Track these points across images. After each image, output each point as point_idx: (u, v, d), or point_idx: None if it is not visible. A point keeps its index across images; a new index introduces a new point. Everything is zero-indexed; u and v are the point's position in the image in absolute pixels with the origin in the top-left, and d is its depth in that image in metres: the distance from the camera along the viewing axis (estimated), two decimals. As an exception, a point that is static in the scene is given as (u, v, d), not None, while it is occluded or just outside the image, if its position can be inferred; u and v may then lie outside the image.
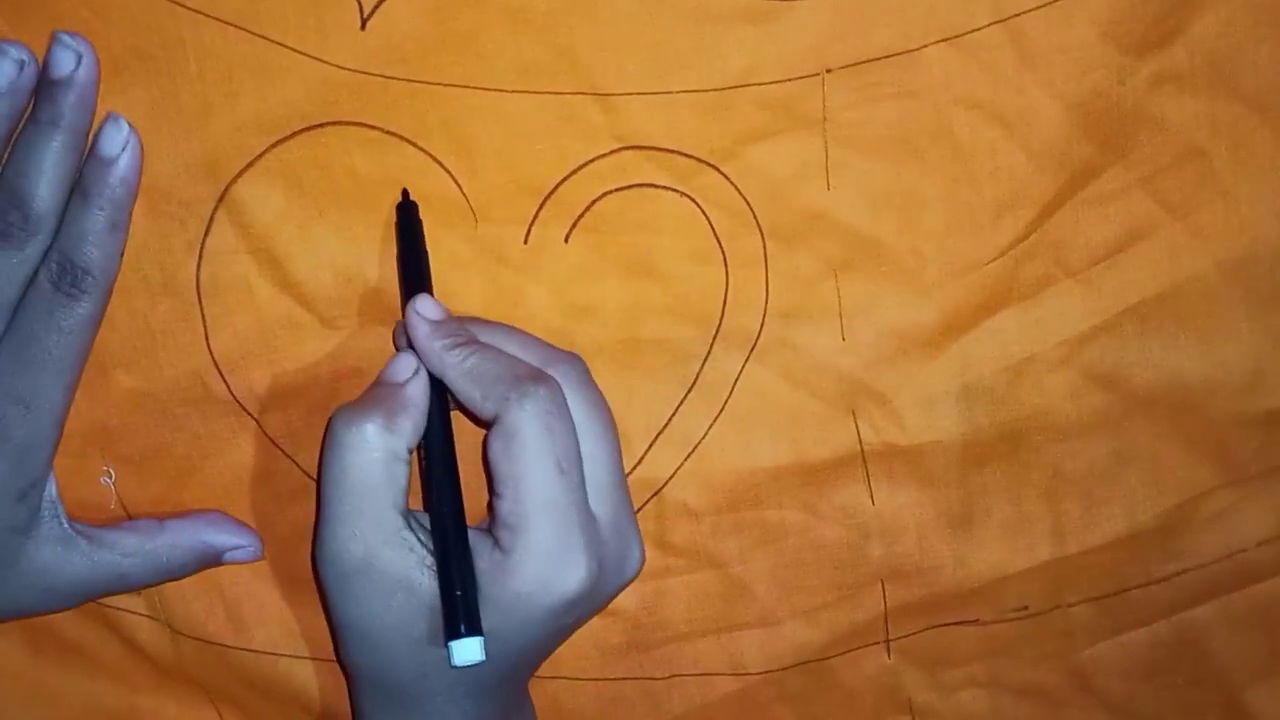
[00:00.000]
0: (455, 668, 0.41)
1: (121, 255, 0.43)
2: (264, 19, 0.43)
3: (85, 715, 0.50)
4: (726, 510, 0.49)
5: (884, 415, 0.49)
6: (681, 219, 0.46)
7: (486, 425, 0.42)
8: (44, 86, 0.41)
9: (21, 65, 0.41)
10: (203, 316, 0.46)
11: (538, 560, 0.41)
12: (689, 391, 0.48)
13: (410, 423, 0.42)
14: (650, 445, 0.48)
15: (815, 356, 0.48)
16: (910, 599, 0.51)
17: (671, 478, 0.49)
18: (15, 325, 0.42)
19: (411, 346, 0.44)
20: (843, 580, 0.50)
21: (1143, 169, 0.47)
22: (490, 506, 0.42)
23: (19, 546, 0.43)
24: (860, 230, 0.47)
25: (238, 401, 0.47)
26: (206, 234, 0.45)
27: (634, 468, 0.48)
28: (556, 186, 0.45)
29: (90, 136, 0.42)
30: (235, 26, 0.43)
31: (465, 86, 0.44)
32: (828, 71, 0.45)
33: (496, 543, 0.42)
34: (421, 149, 0.45)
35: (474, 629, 0.41)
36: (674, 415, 0.48)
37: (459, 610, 0.41)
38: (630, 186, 0.46)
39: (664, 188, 0.46)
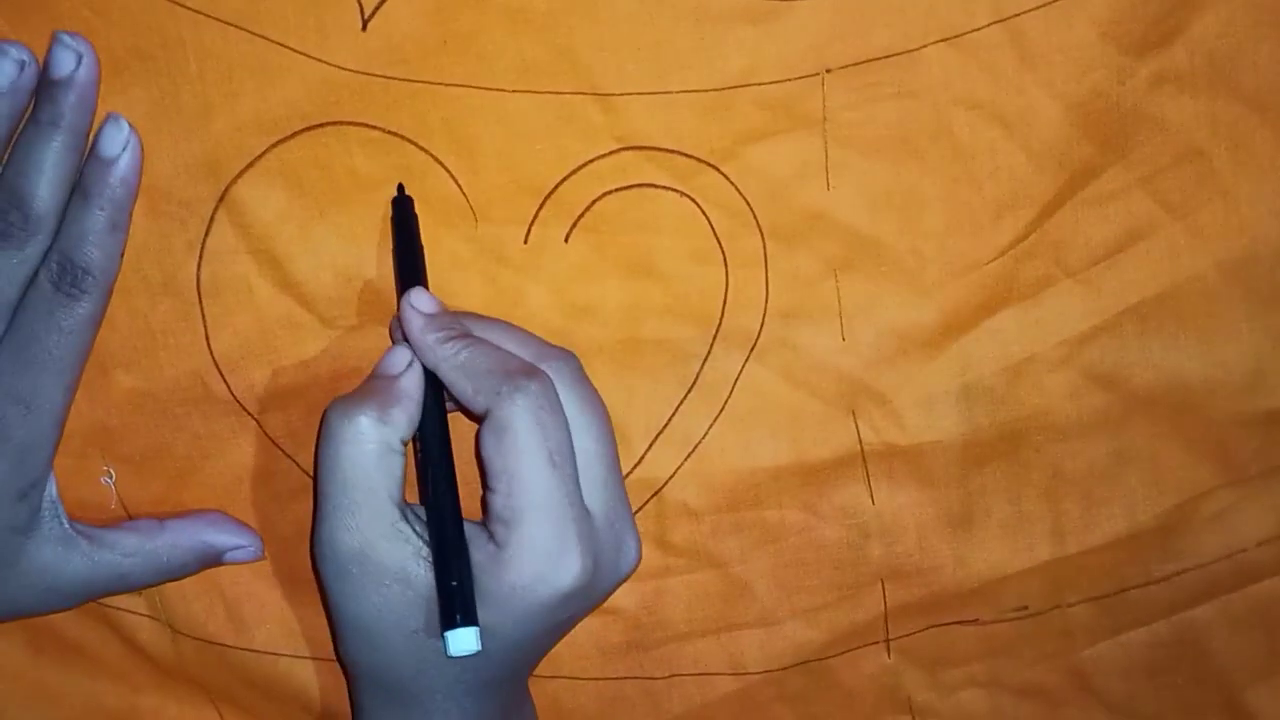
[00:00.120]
0: (452, 659, 0.41)
1: (122, 255, 0.43)
2: (264, 19, 0.43)
3: (86, 715, 0.50)
4: (726, 510, 0.49)
5: (884, 415, 0.49)
6: (681, 219, 0.46)
7: (479, 420, 0.42)
8: (44, 87, 0.41)
9: (22, 65, 0.41)
10: (203, 316, 0.46)
11: (532, 554, 0.41)
12: (689, 391, 0.48)
13: (404, 415, 0.42)
14: (650, 445, 0.48)
15: (815, 356, 0.48)
16: (910, 599, 0.51)
17: (671, 477, 0.49)
18: (15, 325, 0.42)
19: (406, 340, 0.44)
20: (843, 580, 0.50)
21: (1143, 169, 0.47)
22: (484, 501, 0.42)
23: (19, 546, 0.43)
24: (860, 230, 0.47)
25: (238, 401, 0.47)
26: (207, 234, 0.45)
27: (634, 468, 0.48)
28: (556, 186, 0.46)
29: (91, 136, 0.42)
30: (236, 27, 0.43)
31: (466, 86, 0.44)
32: (827, 71, 0.45)
33: (491, 537, 0.42)
34: (422, 149, 0.45)
35: (469, 619, 0.41)
36: (674, 415, 0.48)
37: (454, 600, 0.41)
38: (630, 186, 0.46)
39: (664, 188, 0.46)
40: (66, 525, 0.44)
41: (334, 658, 0.48)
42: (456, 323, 0.44)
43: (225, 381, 0.46)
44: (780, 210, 0.46)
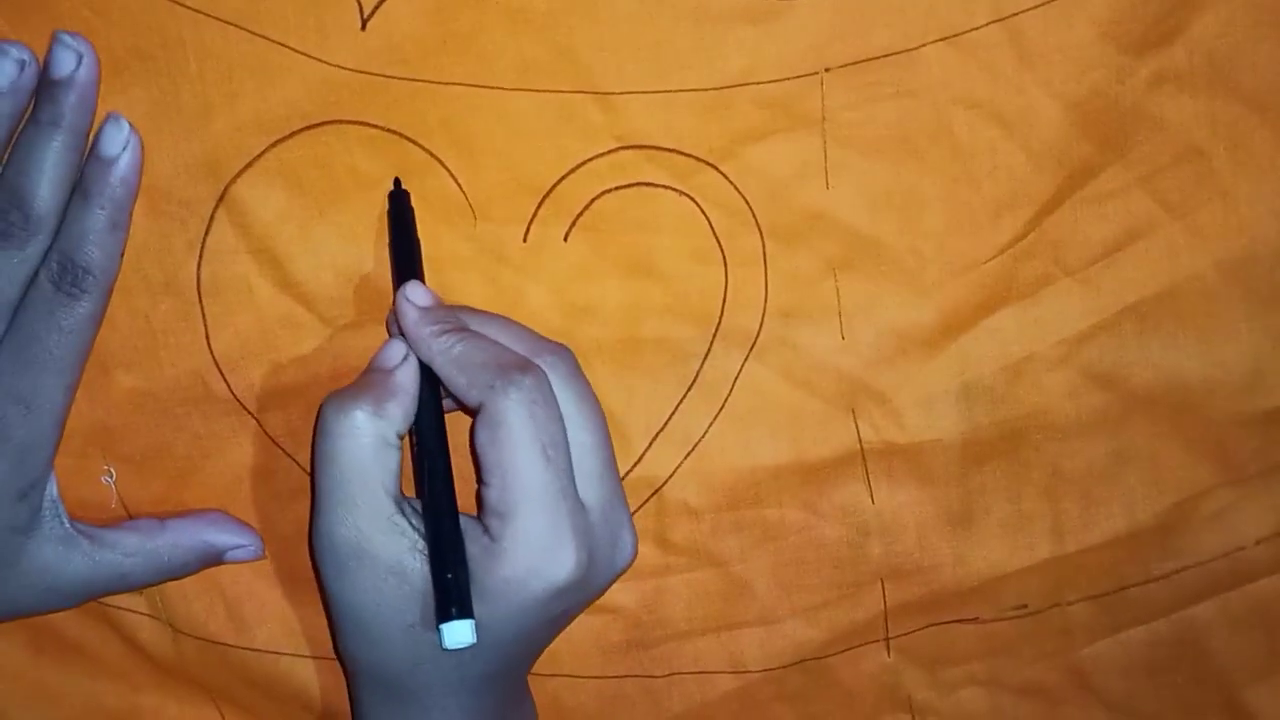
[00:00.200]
0: (448, 653, 0.41)
1: (122, 255, 0.43)
2: (264, 19, 0.43)
3: (86, 715, 0.50)
4: (726, 509, 0.49)
5: (884, 414, 0.49)
6: (681, 218, 0.46)
7: (473, 413, 0.42)
8: (45, 86, 0.41)
9: (22, 65, 0.41)
10: (203, 316, 0.46)
11: (527, 547, 0.41)
12: (688, 390, 0.48)
13: (399, 408, 0.42)
14: (650, 444, 0.48)
15: (815, 356, 0.48)
16: (910, 597, 0.51)
17: (671, 476, 0.49)
18: (16, 325, 0.42)
19: (401, 333, 0.44)
20: (843, 579, 0.50)
21: (1142, 168, 0.47)
22: (478, 496, 0.42)
23: (20, 546, 0.43)
24: (859, 229, 0.47)
25: (238, 401, 0.47)
26: (207, 234, 0.45)
27: (634, 466, 0.48)
28: (555, 185, 0.46)
29: (91, 136, 0.42)
30: (235, 26, 0.43)
31: (465, 85, 0.44)
32: (826, 71, 0.45)
33: (486, 530, 0.42)
34: (422, 147, 0.45)
35: (465, 612, 0.41)
36: (674, 414, 0.48)
37: (450, 593, 0.41)
38: (629, 185, 0.46)
39: (663, 186, 0.46)
40: (67, 525, 0.44)
41: (334, 657, 0.48)
42: (452, 316, 0.44)
43: (226, 381, 0.46)
44: (779, 209, 0.47)
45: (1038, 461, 0.50)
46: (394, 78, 0.44)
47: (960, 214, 0.47)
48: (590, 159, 0.45)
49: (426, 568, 0.42)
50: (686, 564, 0.50)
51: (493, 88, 0.44)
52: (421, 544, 0.42)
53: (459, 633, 0.41)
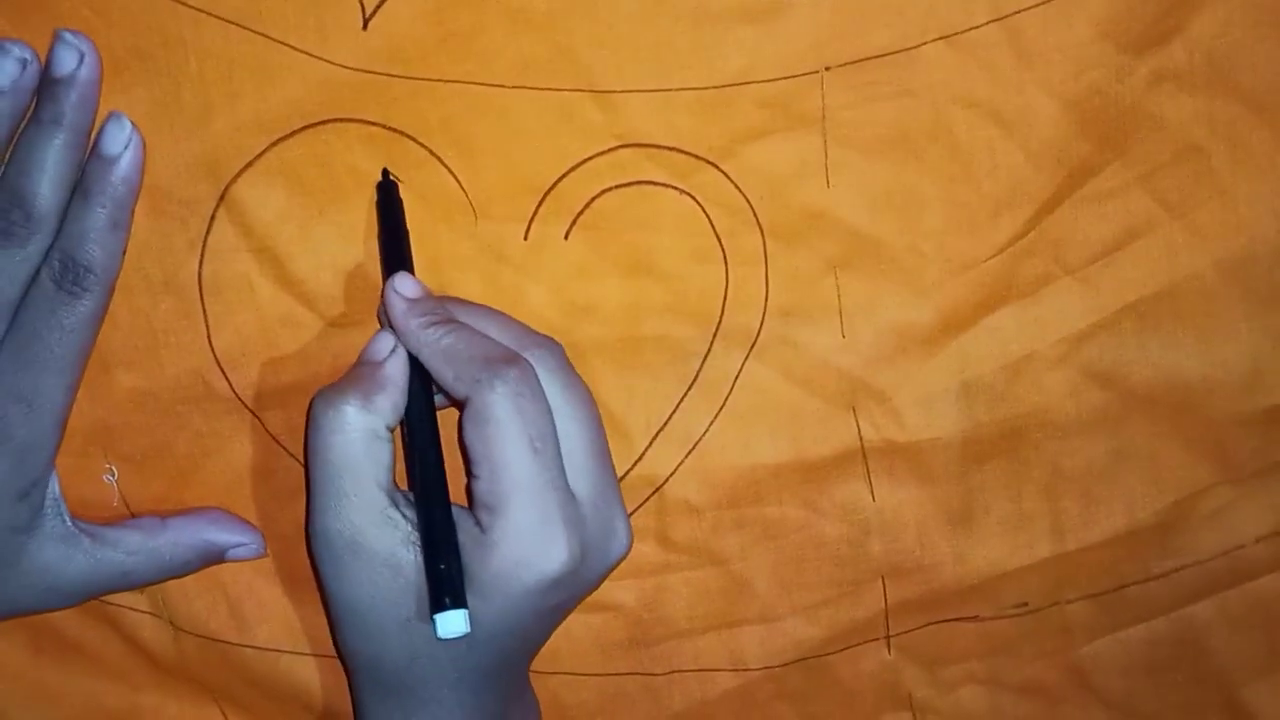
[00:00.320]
0: (444, 646, 0.42)
1: (123, 254, 0.43)
2: (265, 18, 0.43)
3: (87, 714, 0.50)
4: (727, 507, 0.49)
5: (884, 412, 0.49)
6: (681, 217, 0.46)
7: (460, 406, 0.42)
8: (46, 85, 0.41)
9: (24, 64, 0.41)
10: (204, 315, 0.46)
11: (517, 539, 0.41)
12: (689, 389, 0.48)
13: (389, 401, 0.42)
14: (650, 442, 0.48)
15: (815, 354, 0.48)
16: (910, 595, 0.51)
17: (672, 475, 0.49)
18: (17, 324, 0.42)
19: (390, 325, 0.44)
20: (843, 577, 0.50)
21: (1141, 167, 0.47)
22: (468, 489, 0.42)
23: (22, 545, 0.44)
24: (860, 228, 0.47)
25: (240, 399, 0.47)
26: (208, 232, 0.45)
27: (634, 465, 0.48)
28: (556, 183, 0.46)
29: (92, 135, 0.42)
30: (237, 25, 0.43)
31: (466, 83, 0.44)
32: (826, 70, 0.45)
33: (477, 523, 0.42)
34: (422, 145, 0.45)
35: (458, 601, 0.41)
36: (674, 413, 0.48)
37: (442, 583, 0.41)
38: (630, 184, 0.46)
39: (664, 185, 0.46)
40: (69, 523, 0.44)
41: (335, 655, 0.48)
42: (440, 307, 0.44)
43: (227, 379, 0.47)
44: (780, 208, 0.47)
45: (1038, 460, 0.50)
46: (395, 76, 0.44)
47: (960, 213, 0.47)
48: (590, 157, 0.45)
49: (420, 559, 0.42)
50: (687, 562, 0.50)
51: (493, 86, 0.44)
52: (415, 536, 0.42)
53: (452, 622, 0.41)
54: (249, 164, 0.45)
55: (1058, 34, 0.45)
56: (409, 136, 0.45)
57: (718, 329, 0.48)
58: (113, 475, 0.47)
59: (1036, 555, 0.51)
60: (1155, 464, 0.50)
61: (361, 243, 0.46)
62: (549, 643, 0.48)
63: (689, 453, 0.49)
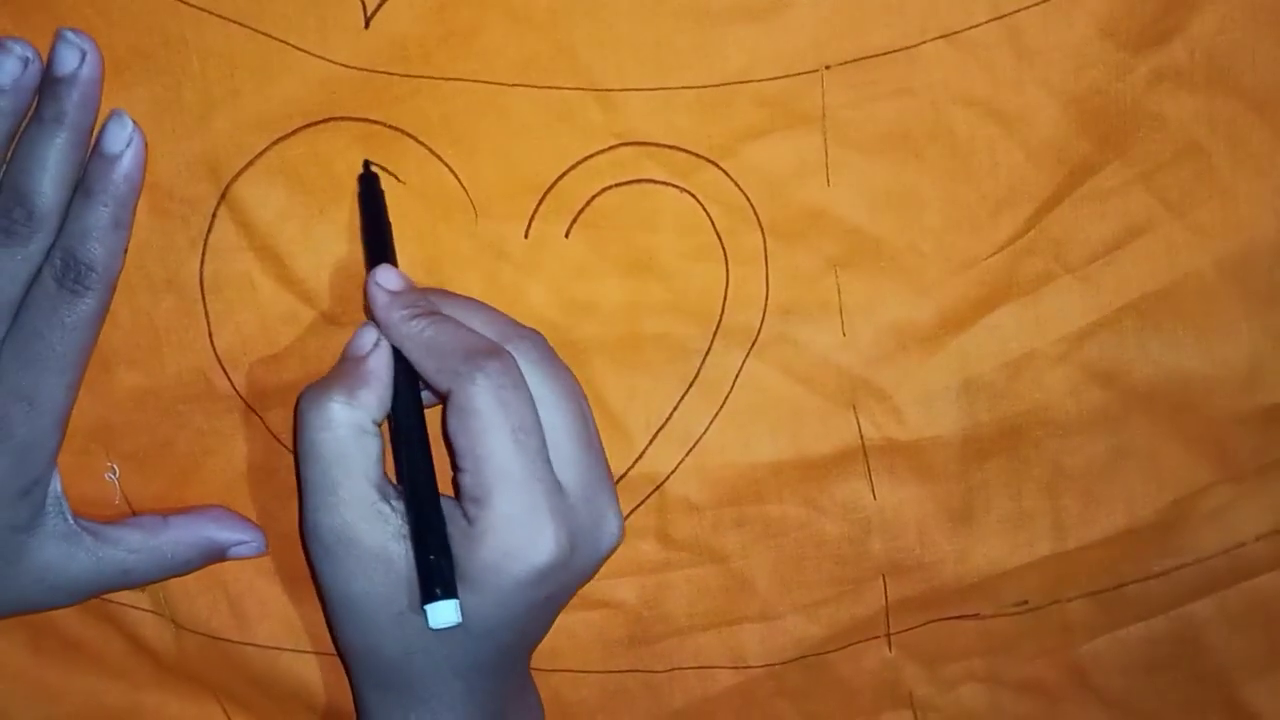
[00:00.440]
0: (439, 639, 0.42)
1: (125, 252, 0.43)
2: (267, 17, 0.43)
3: (88, 712, 0.50)
4: (728, 505, 0.49)
5: (884, 411, 0.49)
6: (681, 215, 0.46)
7: (443, 399, 0.42)
8: (48, 84, 0.41)
9: (26, 62, 0.41)
10: (206, 313, 0.46)
11: (503, 530, 0.41)
12: (689, 387, 0.48)
13: (374, 395, 0.43)
14: (651, 441, 0.48)
15: (816, 352, 0.48)
16: (911, 593, 0.51)
17: (673, 473, 0.49)
18: (19, 322, 0.42)
19: (373, 318, 0.44)
20: (844, 575, 0.50)
21: (1141, 166, 0.47)
22: (454, 482, 0.43)
23: (23, 543, 0.44)
24: (860, 227, 0.47)
25: (241, 397, 0.47)
26: (209, 231, 0.45)
27: (634, 463, 0.48)
28: (556, 181, 0.46)
29: (94, 134, 0.42)
30: (238, 24, 0.43)
31: (466, 81, 0.44)
32: (826, 68, 0.45)
33: (465, 516, 0.42)
34: (422, 144, 0.45)
35: (448, 591, 0.41)
36: (675, 411, 0.48)
37: (432, 573, 0.41)
38: (631, 182, 0.46)
39: (664, 183, 0.46)
40: (71, 521, 0.44)
41: (335, 652, 0.48)
42: (423, 299, 0.44)
43: (228, 378, 0.47)
44: (780, 207, 0.47)
45: (1038, 458, 0.50)
46: (396, 75, 0.44)
47: (960, 212, 0.47)
48: (591, 156, 0.45)
49: (411, 553, 0.42)
50: (688, 560, 0.50)
51: (494, 84, 0.44)
52: (405, 529, 0.42)
53: (443, 613, 0.41)
54: (250, 163, 0.45)
55: (1058, 33, 0.45)
56: (409, 135, 0.45)
57: (718, 327, 0.48)
58: (114, 473, 0.47)
59: (1037, 553, 0.51)
60: (1155, 462, 0.50)
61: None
62: (550, 640, 0.48)
63: (689, 451, 0.49)
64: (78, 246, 0.42)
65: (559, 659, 0.50)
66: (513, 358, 0.42)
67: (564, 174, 0.46)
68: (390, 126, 0.45)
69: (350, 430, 0.42)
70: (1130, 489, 0.50)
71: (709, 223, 0.47)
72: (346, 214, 0.45)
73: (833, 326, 0.48)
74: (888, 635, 0.51)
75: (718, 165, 0.46)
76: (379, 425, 0.43)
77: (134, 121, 0.42)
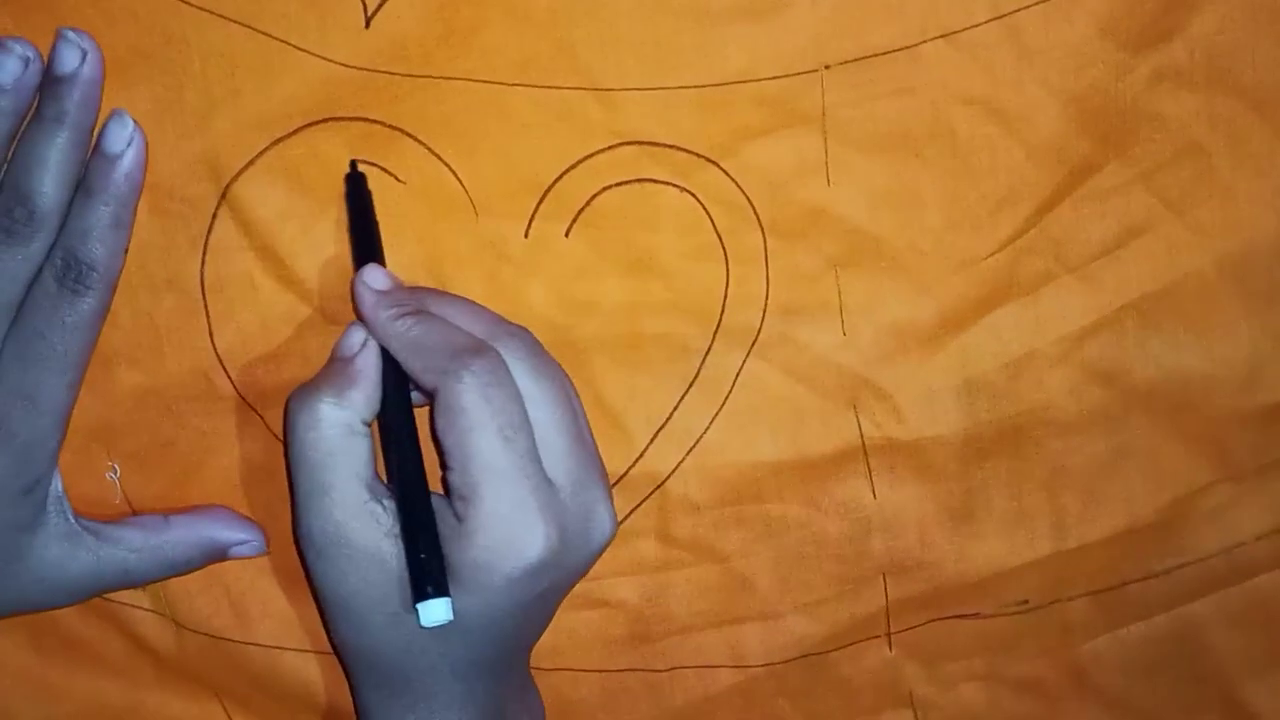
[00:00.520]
0: (433, 638, 0.42)
1: (126, 251, 0.43)
2: (267, 17, 0.43)
3: (89, 712, 0.50)
4: (728, 504, 0.49)
5: (885, 410, 0.49)
6: (682, 214, 0.46)
7: (430, 397, 0.42)
8: (49, 83, 0.41)
9: (26, 62, 0.41)
10: (206, 313, 0.46)
11: (493, 527, 0.41)
12: (690, 387, 0.48)
13: (362, 395, 0.43)
14: (651, 440, 0.48)
15: (816, 352, 0.48)
16: (911, 593, 0.51)
17: (673, 472, 0.49)
18: (20, 322, 0.42)
19: (360, 318, 0.44)
20: (844, 574, 0.50)
21: (1142, 165, 0.47)
22: (443, 480, 0.43)
23: (25, 542, 0.44)
24: (860, 226, 0.47)
25: (242, 397, 0.47)
26: (210, 231, 0.45)
27: (635, 462, 0.48)
28: (556, 181, 0.46)
29: (95, 133, 0.42)
30: (239, 24, 0.43)
31: (466, 80, 0.44)
32: (826, 68, 0.45)
33: (455, 514, 0.42)
34: (422, 143, 0.45)
35: (440, 589, 0.41)
36: (675, 410, 0.48)
37: (423, 572, 0.41)
38: (631, 181, 0.46)
39: (664, 183, 0.46)
40: (72, 521, 0.44)
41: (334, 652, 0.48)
42: (410, 298, 0.44)
43: (229, 377, 0.47)
44: (780, 206, 0.47)
45: (1039, 458, 0.50)
46: (396, 74, 0.44)
47: (960, 211, 0.47)
48: (591, 155, 0.45)
49: (403, 552, 0.42)
50: (688, 559, 0.50)
51: (494, 83, 0.44)
52: (397, 529, 0.42)
53: (435, 611, 0.41)
54: (250, 162, 0.45)
55: (1058, 32, 0.45)
56: (409, 135, 0.45)
57: (718, 327, 0.48)
58: (115, 473, 0.47)
59: (1037, 553, 0.51)
60: (1156, 462, 0.50)
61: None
62: (551, 639, 0.48)
63: (690, 450, 0.49)
64: (79, 246, 0.42)
65: (560, 658, 0.50)
66: (499, 355, 0.42)
67: (564, 173, 0.46)
68: (390, 126, 0.45)
69: (339, 430, 0.42)
70: (1130, 488, 0.50)
71: (709, 222, 0.47)
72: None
73: (833, 326, 0.48)
74: (888, 634, 0.51)
75: (718, 165, 0.46)
76: (368, 425, 0.43)
77: (135, 121, 0.42)
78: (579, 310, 0.47)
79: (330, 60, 0.44)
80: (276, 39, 0.44)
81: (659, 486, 0.49)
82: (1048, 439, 0.50)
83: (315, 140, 0.45)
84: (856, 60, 0.45)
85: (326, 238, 0.46)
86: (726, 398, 0.48)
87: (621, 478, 0.49)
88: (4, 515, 0.43)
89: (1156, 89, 0.46)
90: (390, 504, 0.42)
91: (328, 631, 0.46)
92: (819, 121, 0.46)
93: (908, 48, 0.45)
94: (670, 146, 0.46)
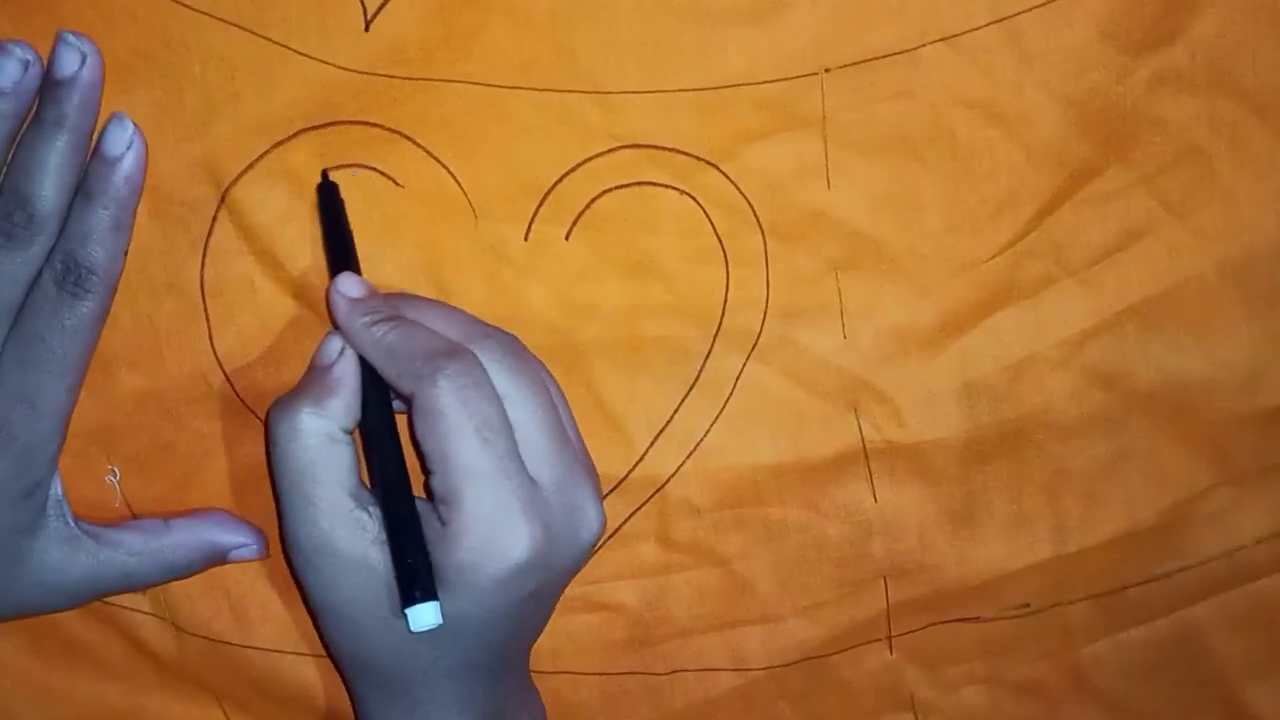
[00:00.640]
0: (425, 642, 0.42)
1: (125, 255, 0.43)
2: (267, 20, 0.43)
3: (90, 715, 0.50)
4: (729, 507, 0.49)
5: (885, 413, 0.49)
6: (682, 217, 0.46)
7: (408, 403, 0.42)
8: (48, 87, 0.41)
9: (26, 65, 0.41)
10: (206, 316, 0.46)
11: (476, 529, 0.41)
12: (690, 390, 0.48)
13: (341, 403, 0.43)
14: (652, 443, 0.48)
15: (816, 355, 0.48)
16: (912, 596, 0.51)
17: (673, 475, 0.49)
18: (19, 325, 0.42)
19: (336, 326, 0.44)
20: (845, 577, 0.50)
21: (1142, 168, 0.47)
22: (425, 485, 0.43)
23: (25, 546, 0.44)
24: (860, 229, 0.47)
25: (242, 400, 0.47)
26: (209, 234, 0.45)
27: (635, 465, 0.48)
28: (556, 184, 0.46)
29: (94, 136, 0.42)
30: (238, 27, 0.43)
31: (466, 83, 0.44)
32: (826, 71, 0.45)
33: (439, 517, 0.42)
34: (421, 146, 0.45)
35: (427, 594, 0.41)
36: (675, 413, 0.48)
37: (409, 577, 0.41)
38: (631, 184, 0.46)
39: (664, 186, 0.46)
40: (72, 524, 0.44)
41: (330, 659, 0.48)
42: (385, 304, 0.44)
43: (229, 380, 0.47)
44: (780, 209, 0.47)
45: (1039, 461, 0.50)
46: (395, 77, 0.44)
47: (961, 214, 0.47)
48: (591, 158, 0.45)
49: (389, 558, 0.42)
50: (689, 562, 0.50)
51: (494, 86, 0.44)
52: (383, 536, 0.42)
53: (424, 615, 0.41)
54: (250, 166, 0.45)
55: (1058, 35, 0.45)
56: (409, 138, 0.45)
57: (719, 329, 0.48)
58: (115, 476, 0.47)
59: (1038, 556, 0.51)
60: (1156, 465, 0.50)
61: (362, 243, 0.46)
62: (551, 642, 0.48)
63: (690, 453, 0.49)
64: (78, 249, 0.42)
65: (560, 661, 0.50)
66: (475, 357, 0.42)
67: (564, 176, 0.46)
68: (390, 129, 0.45)
69: (320, 439, 0.42)
70: (1131, 492, 0.50)
71: (709, 225, 0.47)
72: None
73: (833, 329, 0.48)
74: (889, 638, 0.51)
75: (718, 168, 0.46)
76: (349, 433, 0.43)
77: (134, 124, 0.42)
78: (579, 313, 0.47)
79: (330, 64, 0.44)
80: (276, 43, 0.44)
81: (659, 490, 0.49)
82: (1048, 442, 0.50)
83: (315, 144, 0.45)
84: (856, 63, 0.45)
85: (326, 240, 0.46)
86: (727, 401, 0.48)
87: (621, 481, 0.49)
88: (4, 519, 0.43)
89: (1157, 92, 0.46)
90: (375, 511, 0.42)
91: (322, 639, 0.46)
92: (819, 124, 0.46)
93: (908, 51, 0.45)
94: (670, 149, 0.46)
